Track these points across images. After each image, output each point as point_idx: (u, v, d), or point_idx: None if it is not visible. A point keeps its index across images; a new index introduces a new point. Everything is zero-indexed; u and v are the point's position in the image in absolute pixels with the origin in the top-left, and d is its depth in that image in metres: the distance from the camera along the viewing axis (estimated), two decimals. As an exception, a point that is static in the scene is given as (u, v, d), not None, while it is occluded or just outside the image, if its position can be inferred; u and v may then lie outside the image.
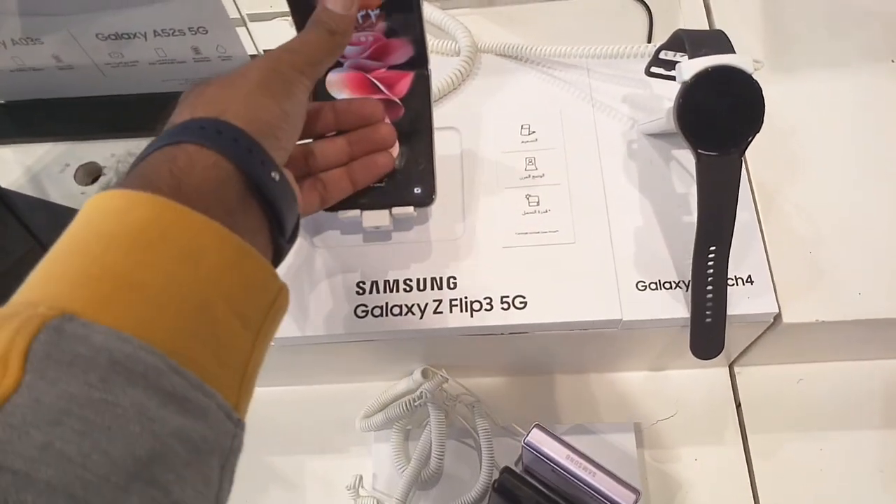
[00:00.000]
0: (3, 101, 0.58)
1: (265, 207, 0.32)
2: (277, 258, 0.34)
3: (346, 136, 0.42)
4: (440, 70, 0.52)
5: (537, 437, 0.44)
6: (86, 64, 0.54)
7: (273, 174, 0.31)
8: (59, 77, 0.55)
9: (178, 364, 0.24)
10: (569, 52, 0.52)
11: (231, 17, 0.50)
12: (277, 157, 0.32)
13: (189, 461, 0.24)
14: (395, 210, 0.45)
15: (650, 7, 0.59)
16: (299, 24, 0.43)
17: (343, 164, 0.42)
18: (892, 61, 0.55)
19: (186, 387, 0.24)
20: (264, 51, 0.44)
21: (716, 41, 0.41)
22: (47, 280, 0.25)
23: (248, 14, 0.54)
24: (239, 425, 0.27)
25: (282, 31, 0.61)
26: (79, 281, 0.25)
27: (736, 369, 0.56)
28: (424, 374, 0.55)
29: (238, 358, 0.28)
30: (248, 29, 0.53)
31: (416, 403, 0.53)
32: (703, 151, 0.41)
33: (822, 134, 0.52)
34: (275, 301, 0.30)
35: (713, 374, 0.57)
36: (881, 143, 0.51)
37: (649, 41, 0.57)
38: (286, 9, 0.61)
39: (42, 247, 0.48)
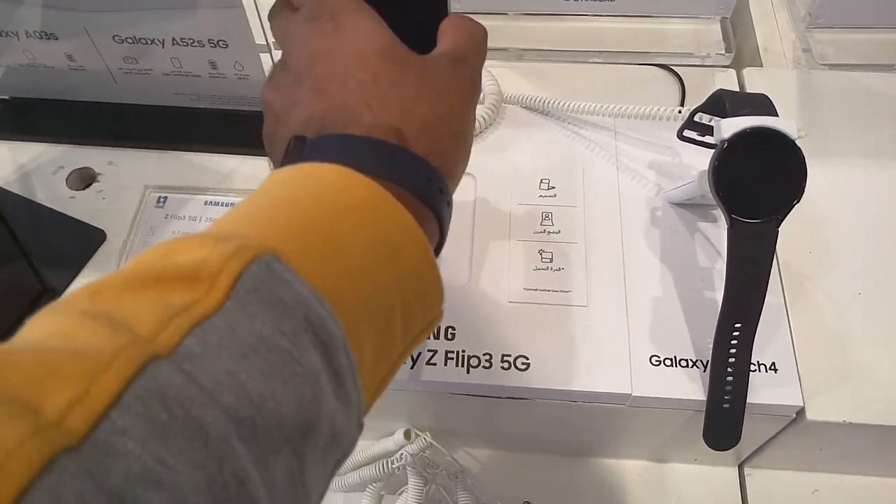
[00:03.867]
0: (6, 97, 0.56)
1: None
2: None
3: None
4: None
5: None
6: (99, 68, 0.52)
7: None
8: (69, 78, 0.53)
9: (349, 345, 0.23)
10: (598, 109, 0.50)
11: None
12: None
13: (326, 447, 0.23)
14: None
15: (683, 79, 0.57)
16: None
17: None
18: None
19: (347, 371, 0.23)
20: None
21: (759, 103, 0.39)
22: (254, 221, 0.24)
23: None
24: (360, 431, 0.25)
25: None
26: (288, 229, 0.24)
27: (746, 470, 0.52)
28: (407, 435, 0.50)
29: (385, 364, 0.27)
30: (271, 55, 0.51)
31: (394, 466, 0.48)
32: (737, 217, 0.38)
33: (856, 225, 0.49)
34: (433, 321, 0.29)
35: (721, 473, 0.52)
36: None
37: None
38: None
39: (18, 245, 0.45)
